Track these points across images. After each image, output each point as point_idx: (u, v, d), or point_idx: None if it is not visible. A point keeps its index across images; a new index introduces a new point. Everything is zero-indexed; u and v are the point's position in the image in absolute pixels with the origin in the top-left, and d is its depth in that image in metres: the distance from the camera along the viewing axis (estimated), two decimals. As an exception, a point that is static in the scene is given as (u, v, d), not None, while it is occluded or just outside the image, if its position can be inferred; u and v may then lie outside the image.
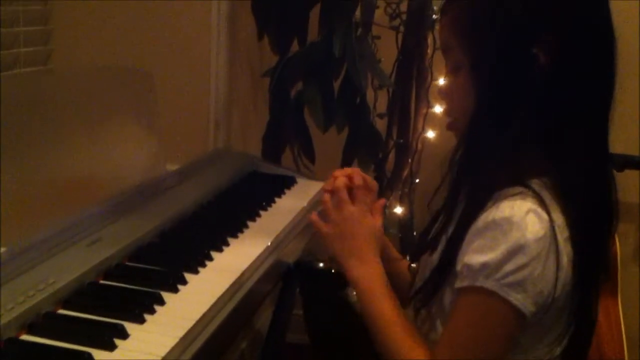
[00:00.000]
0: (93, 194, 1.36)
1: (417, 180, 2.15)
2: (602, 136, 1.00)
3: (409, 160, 2.12)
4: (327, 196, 1.16)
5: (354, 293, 2.09)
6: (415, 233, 2.17)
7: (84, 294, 1.09)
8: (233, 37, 2.30)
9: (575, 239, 0.93)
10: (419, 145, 2.11)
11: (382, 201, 1.20)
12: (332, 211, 1.15)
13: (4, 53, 2.06)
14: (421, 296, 1.03)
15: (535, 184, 0.95)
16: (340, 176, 1.17)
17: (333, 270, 2.16)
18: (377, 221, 1.16)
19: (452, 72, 1.01)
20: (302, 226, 1.60)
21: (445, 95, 1.04)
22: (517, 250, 0.89)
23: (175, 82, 2.23)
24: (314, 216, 1.18)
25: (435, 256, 1.03)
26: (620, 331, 2.02)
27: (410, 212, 2.16)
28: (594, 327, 1.03)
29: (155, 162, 1.60)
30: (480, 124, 0.97)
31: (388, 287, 1.08)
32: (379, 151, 2.12)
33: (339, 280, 2.11)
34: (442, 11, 1.03)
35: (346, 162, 2.09)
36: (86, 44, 2.27)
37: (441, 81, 1.98)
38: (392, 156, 2.15)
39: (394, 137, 2.12)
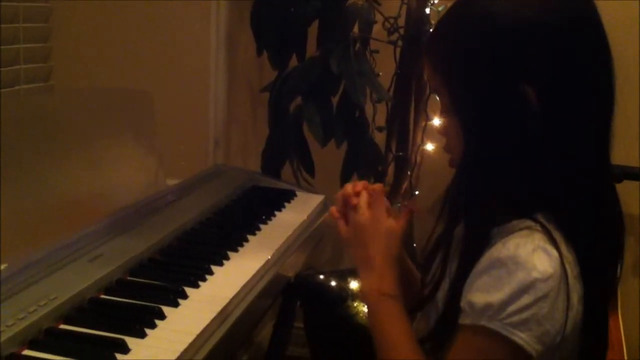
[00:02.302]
0: (94, 211, 1.37)
1: (417, 193, 2.15)
2: (604, 160, 0.96)
3: (409, 172, 2.12)
4: (340, 201, 1.10)
5: (354, 304, 2.10)
6: (415, 245, 2.18)
7: (84, 309, 1.09)
8: (232, 53, 2.32)
9: (586, 276, 0.91)
10: (418, 158, 2.12)
11: (412, 206, 1.15)
12: (350, 215, 1.09)
13: (4, 70, 2.07)
14: (430, 344, 0.99)
15: (542, 217, 0.92)
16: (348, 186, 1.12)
17: (333, 283, 2.17)
18: (397, 225, 1.07)
19: (443, 112, 0.99)
20: (302, 239, 1.61)
21: (442, 133, 1.01)
22: (522, 291, 0.87)
23: (175, 98, 2.24)
24: (335, 212, 1.11)
25: (440, 295, 1.00)
26: (621, 344, 2.02)
27: (410, 225, 2.17)
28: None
29: (155, 179, 1.61)
30: (470, 164, 0.95)
31: (397, 306, 1.02)
32: (379, 164, 2.12)
33: (339, 293, 2.11)
34: (424, 50, 0.99)
35: (346, 176, 2.09)
36: (86, 61, 2.29)
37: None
38: (391, 169, 2.16)
39: (393, 150, 2.13)
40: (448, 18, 0.98)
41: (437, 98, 1.02)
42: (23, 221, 1.20)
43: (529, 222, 0.91)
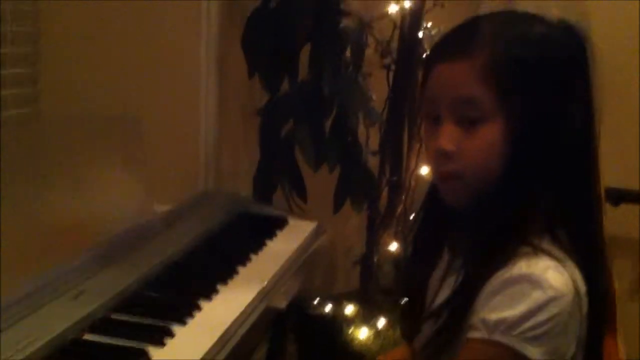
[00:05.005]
0: (78, 244, 1.32)
1: (412, 217, 2.12)
2: (596, 180, 0.98)
3: (403, 197, 2.10)
4: None
5: (349, 332, 2.07)
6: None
7: (66, 352, 1.05)
8: (223, 76, 2.29)
9: (591, 292, 0.92)
10: (412, 182, 2.09)
11: None
12: None
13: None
14: (427, 352, 0.99)
15: (542, 242, 0.92)
16: None
17: (328, 309, 2.13)
18: None
19: (466, 125, 0.93)
20: (294, 269, 1.57)
21: (454, 150, 0.93)
22: (537, 309, 0.87)
23: (165, 122, 2.21)
24: None
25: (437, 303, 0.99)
26: (620, 369, 1.98)
27: (404, 249, 2.14)
28: None
29: (142, 208, 1.57)
30: (513, 180, 0.92)
31: None
32: (372, 189, 2.10)
33: (333, 322, 2.08)
34: (458, 55, 0.92)
35: (339, 201, 2.07)
36: (74, 84, 2.25)
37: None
38: (385, 193, 2.13)
39: (387, 174, 2.11)
40: (502, 27, 0.95)
41: (452, 107, 0.93)
42: (2, 256, 1.16)
43: (528, 249, 0.90)
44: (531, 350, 0.87)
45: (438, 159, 0.95)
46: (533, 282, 0.87)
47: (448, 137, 0.93)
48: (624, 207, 2.10)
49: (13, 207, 1.23)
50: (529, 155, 0.92)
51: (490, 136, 0.92)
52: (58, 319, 1.09)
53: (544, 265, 0.89)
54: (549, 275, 0.88)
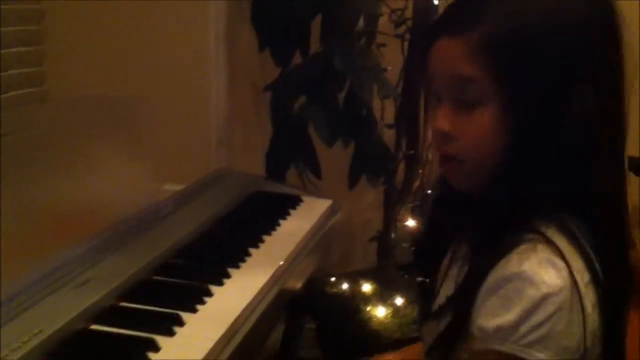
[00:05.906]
0: (84, 229, 1.28)
1: (429, 192, 2.07)
2: (620, 161, 0.91)
3: (419, 171, 2.04)
4: None
5: (367, 309, 2.03)
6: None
7: (72, 344, 1.01)
8: (232, 50, 2.23)
9: (598, 280, 0.85)
10: (429, 156, 2.04)
11: None
12: None
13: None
14: (438, 348, 0.93)
15: (544, 227, 0.85)
16: None
17: (345, 287, 2.09)
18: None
19: (463, 106, 0.87)
20: (309, 249, 1.52)
21: (450, 131, 0.88)
22: (533, 308, 0.81)
23: (175, 100, 2.16)
24: None
25: (440, 299, 0.95)
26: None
27: (422, 225, 2.09)
28: None
29: (151, 189, 1.52)
30: (514, 167, 0.85)
31: None
32: (388, 163, 2.04)
33: (350, 301, 2.04)
34: (454, 30, 0.86)
35: (354, 177, 2.02)
36: (81, 63, 2.21)
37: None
38: (401, 168, 2.08)
39: (403, 148, 2.05)
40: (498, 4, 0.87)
41: (446, 88, 0.88)
42: (4, 244, 1.12)
43: (530, 235, 0.84)
44: (536, 356, 0.81)
45: (436, 140, 0.91)
46: (525, 279, 0.81)
47: (443, 117, 0.88)
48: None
49: (15, 190, 1.19)
50: (530, 142, 0.85)
51: (485, 120, 0.85)
52: (63, 310, 1.05)
53: (537, 259, 0.82)
54: (543, 271, 0.81)
